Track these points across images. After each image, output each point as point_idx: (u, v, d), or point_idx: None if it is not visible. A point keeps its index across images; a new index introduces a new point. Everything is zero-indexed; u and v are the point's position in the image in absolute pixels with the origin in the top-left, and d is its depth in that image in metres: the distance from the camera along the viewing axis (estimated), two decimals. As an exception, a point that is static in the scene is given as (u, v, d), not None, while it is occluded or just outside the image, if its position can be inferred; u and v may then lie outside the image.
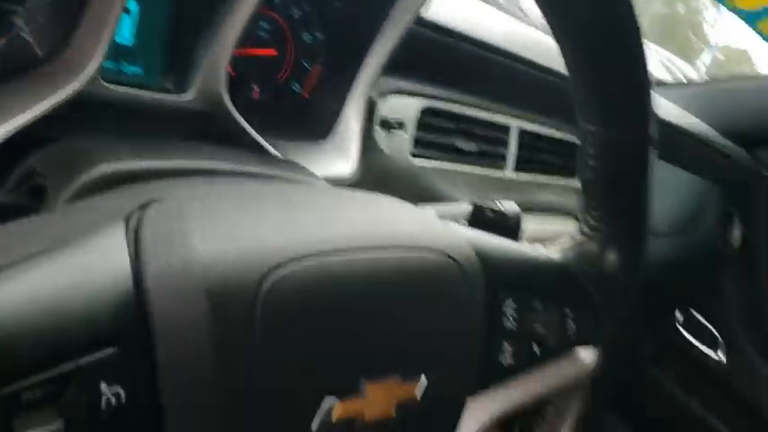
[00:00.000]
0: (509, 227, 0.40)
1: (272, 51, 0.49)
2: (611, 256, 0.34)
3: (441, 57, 0.58)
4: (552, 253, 0.34)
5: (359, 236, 0.24)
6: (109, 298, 0.17)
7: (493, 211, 0.39)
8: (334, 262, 0.22)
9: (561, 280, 0.33)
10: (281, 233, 0.22)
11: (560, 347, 0.33)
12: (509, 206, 0.41)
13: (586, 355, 0.34)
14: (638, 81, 0.31)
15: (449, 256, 0.27)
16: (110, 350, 0.17)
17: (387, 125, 0.54)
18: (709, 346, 1.32)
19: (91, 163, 0.27)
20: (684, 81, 1.31)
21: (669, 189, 1.18)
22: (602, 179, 0.34)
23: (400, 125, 0.57)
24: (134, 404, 0.17)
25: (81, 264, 0.18)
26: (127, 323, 0.17)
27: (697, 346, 1.33)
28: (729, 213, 1.25)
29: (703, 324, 1.33)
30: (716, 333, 1.31)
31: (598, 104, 0.32)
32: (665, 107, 1.05)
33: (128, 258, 0.18)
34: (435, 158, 0.60)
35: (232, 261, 0.19)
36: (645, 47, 0.31)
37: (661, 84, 1.18)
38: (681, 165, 1.15)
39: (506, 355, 0.30)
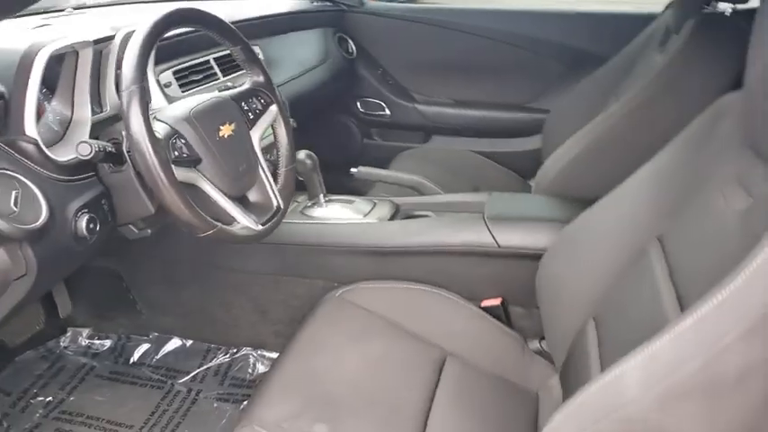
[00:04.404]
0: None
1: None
2: None
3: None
4: None
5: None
6: None
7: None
8: None
9: None
10: None
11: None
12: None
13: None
14: None
15: None
16: None
17: (166, 86, 1.21)
18: (381, 111, 2.24)
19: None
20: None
21: (309, 42, 1.98)
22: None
23: (169, 84, 1.23)
24: None
25: None
26: None
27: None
28: (341, 37, 2.10)
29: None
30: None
31: None
32: (272, 5, 1.82)
33: None
34: (189, 90, 1.28)
35: None
36: None
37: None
38: (310, 27, 1.95)
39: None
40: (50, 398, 1.35)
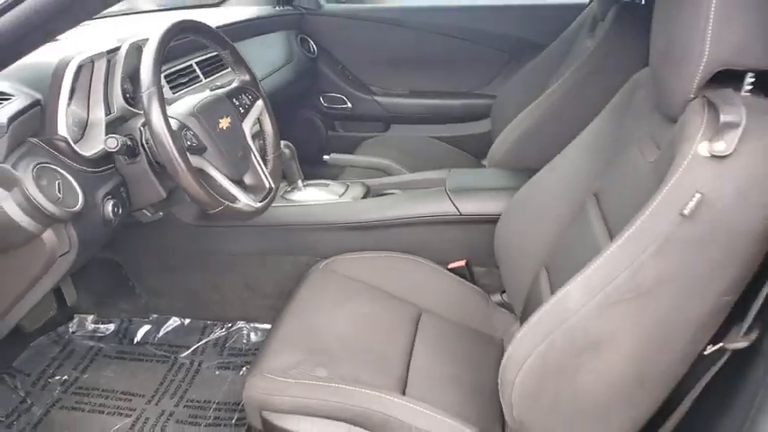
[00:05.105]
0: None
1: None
2: None
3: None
4: None
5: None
6: None
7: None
8: None
9: None
10: None
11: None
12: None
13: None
14: None
15: None
16: None
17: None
18: (342, 104, 2.40)
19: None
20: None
21: (274, 44, 2.12)
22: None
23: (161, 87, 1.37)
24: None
25: None
26: None
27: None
28: (303, 38, 2.26)
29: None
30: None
31: None
32: (239, 12, 1.95)
33: None
34: (179, 91, 1.42)
35: None
36: None
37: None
38: (274, 30, 2.09)
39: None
40: (66, 376, 1.48)
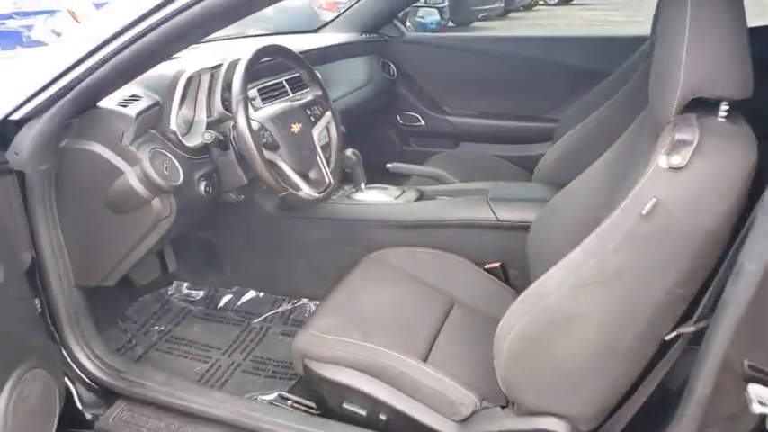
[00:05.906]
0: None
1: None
2: None
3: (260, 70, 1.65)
4: None
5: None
6: None
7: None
8: None
9: None
10: None
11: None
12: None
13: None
14: None
15: None
16: None
17: (252, 99, 1.61)
18: (417, 122, 2.60)
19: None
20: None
21: (358, 66, 2.38)
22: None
23: (254, 98, 1.64)
24: None
25: None
26: None
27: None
28: (384, 62, 2.49)
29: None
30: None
31: None
32: (331, 38, 2.22)
33: None
34: (268, 102, 1.69)
35: None
36: None
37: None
38: (359, 54, 2.34)
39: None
40: (163, 327, 1.79)
